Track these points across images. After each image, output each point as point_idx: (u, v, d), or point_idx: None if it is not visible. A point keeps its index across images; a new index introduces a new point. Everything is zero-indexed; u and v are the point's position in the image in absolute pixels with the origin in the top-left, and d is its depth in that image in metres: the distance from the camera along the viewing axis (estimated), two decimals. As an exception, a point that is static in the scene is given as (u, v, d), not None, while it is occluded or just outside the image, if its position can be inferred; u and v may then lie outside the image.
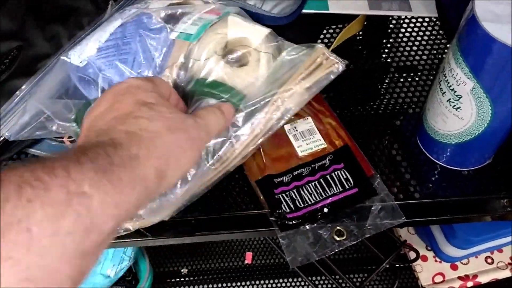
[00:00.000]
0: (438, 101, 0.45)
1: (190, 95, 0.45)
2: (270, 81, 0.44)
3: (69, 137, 0.51)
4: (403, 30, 0.62)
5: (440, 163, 0.51)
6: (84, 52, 0.43)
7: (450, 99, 0.44)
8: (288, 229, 0.46)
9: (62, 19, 0.48)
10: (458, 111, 0.44)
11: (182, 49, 0.45)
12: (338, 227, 0.47)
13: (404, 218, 0.47)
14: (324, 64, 0.44)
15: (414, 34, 0.61)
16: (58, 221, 0.26)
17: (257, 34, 0.46)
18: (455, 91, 0.43)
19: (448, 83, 0.43)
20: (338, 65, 0.44)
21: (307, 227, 0.47)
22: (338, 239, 0.47)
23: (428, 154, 0.51)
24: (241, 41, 0.47)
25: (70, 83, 0.44)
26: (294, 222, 0.46)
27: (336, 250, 0.47)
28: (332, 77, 0.44)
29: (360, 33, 0.63)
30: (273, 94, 0.43)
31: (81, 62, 0.43)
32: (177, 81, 0.45)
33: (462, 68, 0.41)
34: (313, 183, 0.48)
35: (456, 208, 0.49)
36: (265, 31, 0.47)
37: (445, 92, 0.44)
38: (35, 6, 0.48)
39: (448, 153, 0.49)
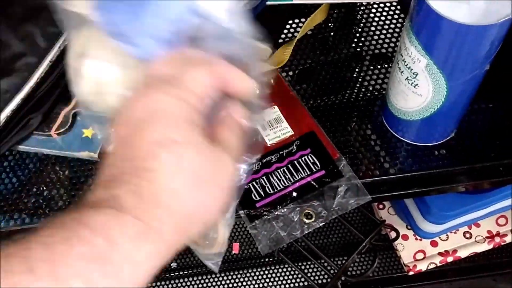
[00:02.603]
0: (398, 80, 0.48)
1: None
2: None
3: (56, 130, 0.52)
4: (366, 16, 0.64)
5: (406, 140, 0.53)
6: None
7: (408, 77, 0.46)
8: (257, 218, 0.48)
9: (33, 17, 0.50)
10: (416, 88, 0.46)
11: None
12: (306, 210, 0.49)
13: (369, 196, 0.49)
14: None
15: (376, 19, 0.64)
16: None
17: None
18: (412, 69, 0.45)
19: (405, 61, 0.45)
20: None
21: (277, 212, 0.49)
22: (307, 221, 0.49)
23: (394, 133, 0.54)
24: None
25: None
26: (262, 210, 0.48)
27: (306, 232, 0.49)
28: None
29: (328, 23, 0.65)
30: None
31: None
32: None
33: (416, 46, 0.43)
34: (281, 169, 0.51)
35: (423, 182, 0.52)
36: None
37: (403, 70, 0.46)
38: (4, 8, 0.50)
39: (412, 130, 0.52)
